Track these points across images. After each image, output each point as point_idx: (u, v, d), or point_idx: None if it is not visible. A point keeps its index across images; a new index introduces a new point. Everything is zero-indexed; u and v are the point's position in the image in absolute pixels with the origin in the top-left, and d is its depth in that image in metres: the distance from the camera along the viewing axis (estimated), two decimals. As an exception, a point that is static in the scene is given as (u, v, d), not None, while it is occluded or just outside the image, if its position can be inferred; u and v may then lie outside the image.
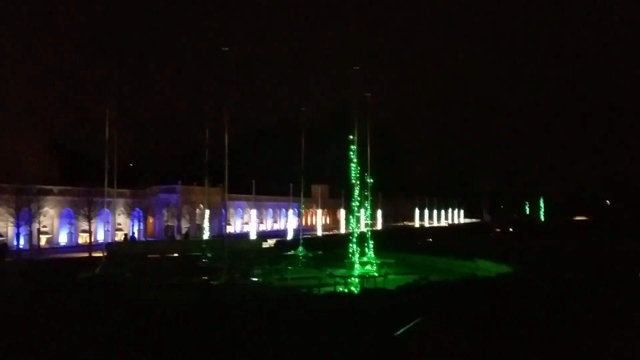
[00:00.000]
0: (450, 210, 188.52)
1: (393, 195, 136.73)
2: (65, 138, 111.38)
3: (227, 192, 52.67)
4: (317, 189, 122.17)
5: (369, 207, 46.66)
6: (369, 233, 42.97)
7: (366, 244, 41.91)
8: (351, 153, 39.69)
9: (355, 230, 39.40)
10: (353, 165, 39.30)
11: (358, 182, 39.73)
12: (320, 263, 44.24)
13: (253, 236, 79.32)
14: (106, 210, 56.75)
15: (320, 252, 51.81)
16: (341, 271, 38.04)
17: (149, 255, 48.59)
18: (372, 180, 42.77)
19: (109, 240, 56.09)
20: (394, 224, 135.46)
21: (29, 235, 59.29)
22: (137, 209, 76.39)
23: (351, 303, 21.64)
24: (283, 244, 62.97)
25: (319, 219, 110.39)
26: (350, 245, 38.81)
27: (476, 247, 54.36)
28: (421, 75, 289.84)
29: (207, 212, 57.24)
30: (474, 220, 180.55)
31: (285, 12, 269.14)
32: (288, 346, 14.62)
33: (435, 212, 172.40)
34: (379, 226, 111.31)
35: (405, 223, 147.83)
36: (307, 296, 25.27)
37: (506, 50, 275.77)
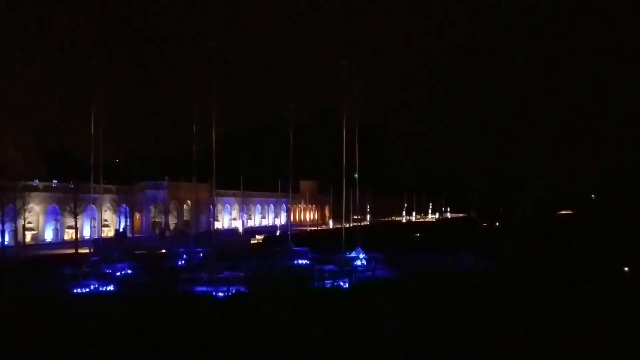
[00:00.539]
0: (438, 205, 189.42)
1: (381, 190, 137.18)
2: (51, 135, 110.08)
3: (214, 188, 52.46)
4: (306, 185, 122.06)
5: (357, 202, 46.75)
6: (358, 228, 43.05)
7: (354, 240, 42.00)
8: (340, 149, 39.72)
9: (344, 225, 39.47)
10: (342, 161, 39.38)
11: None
12: (309, 258, 44.21)
13: (241, 232, 79.11)
14: (92, 206, 56.30)
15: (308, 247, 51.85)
16: (330, 267, 38.10)
17: (136, 252, 48.29)
18: (356, 176, 42.81)
19: (95, 237, 55.67)
20: (382, 219, 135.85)
21: (14, 231, 58.65)
22: (124, 205, 75.86)
23: (339, 298, 21.70)
24: (271, 240, 62.89)
25: (307, 215, 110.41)
26: (339, 240, 38.85)
27: (463, 242, 54.73)
28: (410, 71, 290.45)
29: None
30: (461, 215, 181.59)
31: (274, 8, 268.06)
32: (275, 342, 14.63)
33: (423, 207, 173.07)
34: (367, 221, 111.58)
35: (393, 218, 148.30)
36: (295, 292, 25.29)
37: (495, 46, 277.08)
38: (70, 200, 60.59)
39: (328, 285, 31.26)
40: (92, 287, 33.67)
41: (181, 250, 48.19)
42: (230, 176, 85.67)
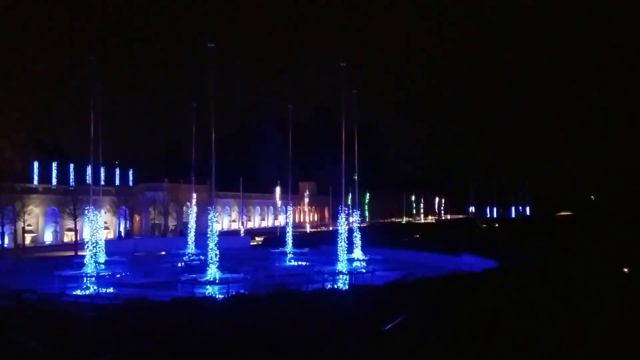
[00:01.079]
0: (436, 206, 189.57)
1: (380, 191, 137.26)
2: (50, 137, 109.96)
3: (214, 189, 52.44)
4: (305, 186, 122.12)
5: (356, 203, 46.79)
6: (357, 230, 43.08)
7: (354, 241, 42.04)
8: (338, 150, 39.79)
9: (343, 227, 39.47)
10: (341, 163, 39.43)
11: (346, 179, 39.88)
12: (308, 260, 44.30)
13: (242, 233, 79.20)
14: (92, 207, 56.11)
15: (307, 249, 51.90)
16: (329, 268, 38.13)
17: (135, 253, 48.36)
18: (356, 177, 42.87)
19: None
20: (382, 220, 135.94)
21: (14, 234, 58.63)
22: (123, 207, 75.87)
23: (339, 300, 21.70)
24: (271, 242, 62.91)
25: (306, 216, 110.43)
26: (338, 241, 38.87)
27: (462, 242, 54.72)
28: (408, 73, 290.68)
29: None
30: (460, 216, 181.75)
31: (272, 9, 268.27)
32: (276, 344, 14.64)
33: (422, 208, 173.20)
34: (366, 222, 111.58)
35: (393, 219, 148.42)
36: (295, 293, 25.26)
37: (494, 48, 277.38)
38: (70, 202, 60.61)
39: (328, 287, 31.28)
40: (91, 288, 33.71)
41: (181, 252, 48.33)
42: (229, 177, 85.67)
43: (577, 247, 43.45)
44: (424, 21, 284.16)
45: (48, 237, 69.48)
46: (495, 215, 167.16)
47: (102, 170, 41.46)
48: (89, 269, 35.79)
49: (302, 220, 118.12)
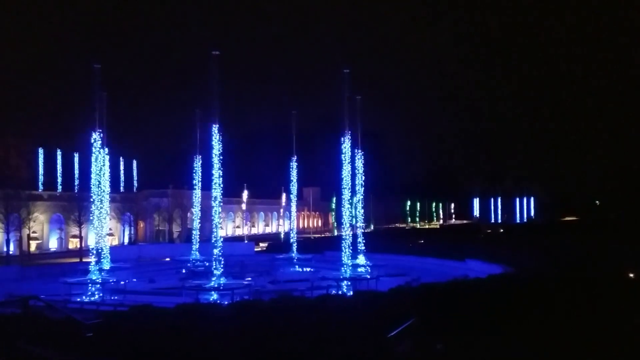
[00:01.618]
0: (441, 211, 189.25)
1: (385, 197, 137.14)
2: (56, 144, 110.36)
3: (219, 195, 52.49)
4: (309, 192, 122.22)
5: (360, 209, 46.77)
6: (361, 235, 43.04)
7: (358, 247, 41.96)
8: (342, 156, 39.80)
9: (347, 232, 39.42)
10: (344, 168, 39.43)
11: (349, 185, 39.85)
12: (313, 266, 44.26)
13: (246, 240, 79.25)
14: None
15: (311, 255, 51.86)
16: (333, 274, 38.09)
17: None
18: (362, 183, 42.85)
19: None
20: (386, 226, 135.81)
21: (19, 241, 58.83)
22: (128, 213, 76.09)
23: (343, 306, 21.68)
24: (275, 248, 62.95)
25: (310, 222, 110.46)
26: (342, 247, 38.82)
27: (467, 248, 54.52)
28: (412, 77, 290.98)
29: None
30: (464, 221, 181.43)
31: (276, 15, 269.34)
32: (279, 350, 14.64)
33: (426, 213, 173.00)
34: (370, 228, 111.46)
35: (397, 225, 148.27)
36: (299, 299, 25.26)
37: (496, 52, 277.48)
38: (75, 209, 60.81)
39: (332, 292, 31.26)
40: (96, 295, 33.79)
41: (185, 258, 48.40)
42: (233, 183, 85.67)
43: (583, 253, 43.26)
44: (426, 24, 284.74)
45: (53, 244, 69.74)
46: (500, 221, 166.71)
47: (108, 176, 41.47)
48: (94, 275, 35.87)
49: (306, 226, 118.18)
